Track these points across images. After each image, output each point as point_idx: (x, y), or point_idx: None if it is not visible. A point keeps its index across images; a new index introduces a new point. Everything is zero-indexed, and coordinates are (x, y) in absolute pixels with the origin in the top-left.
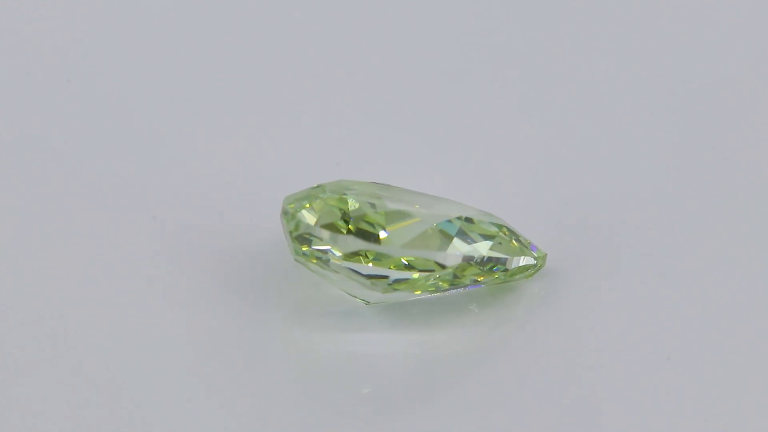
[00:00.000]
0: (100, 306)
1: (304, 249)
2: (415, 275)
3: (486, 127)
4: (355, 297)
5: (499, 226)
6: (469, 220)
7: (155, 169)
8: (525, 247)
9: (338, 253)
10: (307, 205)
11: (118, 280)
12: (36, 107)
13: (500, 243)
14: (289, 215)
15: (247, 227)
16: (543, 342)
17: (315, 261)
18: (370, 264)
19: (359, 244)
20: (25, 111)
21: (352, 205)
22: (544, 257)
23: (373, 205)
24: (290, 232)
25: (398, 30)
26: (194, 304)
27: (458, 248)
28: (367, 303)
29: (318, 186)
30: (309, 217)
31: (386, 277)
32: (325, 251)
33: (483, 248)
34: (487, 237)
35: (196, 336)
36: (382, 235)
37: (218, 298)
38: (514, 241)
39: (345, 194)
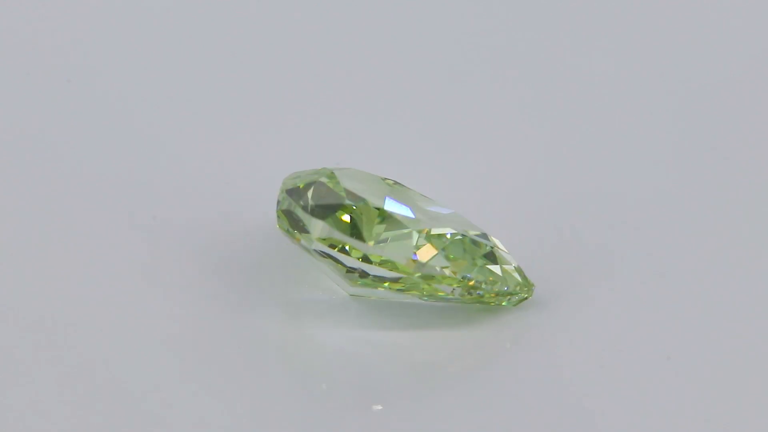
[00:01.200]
0: (99, 305)
1: (286, 224)
2: (387, 275)
3: (485, 127)
4: (336, 284)
5: (492, 249)
6: (461, 237)
7: (156, 168)
8: (511, 276)
9: (314, 236)
10: (301, 185)
11: (116, 279)
12: (36, 107)
13: (485, 266)
14: (281, 189)
15: (246, 224)
16: (542, 340)
17: (292, 233)
18: (341, 253)
19: (335, 234)
20: (25, 111)
21: (346, 193)
22: (530, 289)
23: (367, 201)
24: (278, 202)
25: (398, 29)
26: (192, 301)
27: (437, 263)
28: (349, 294)
29: (323, 168)
30: (300, 195)
31: (356, 270)
32: (303, 229)
33: (462, 268)
34: (472, 258)
35: (194, 333)
36: (365, 232)
37: (217, 296)
38: (503, 267)
39: (343, 183)
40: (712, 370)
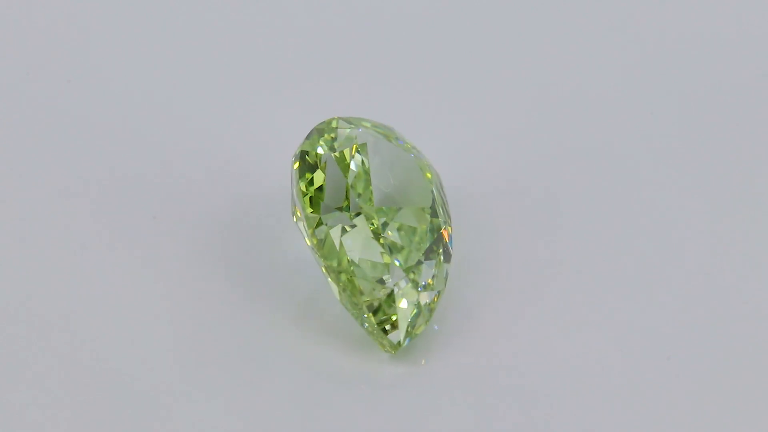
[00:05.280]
0: (99, 305)
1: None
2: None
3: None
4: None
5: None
6: (414, 264)
7: (156, 168)
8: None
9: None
10: (336, 124)
11: (116, 278)
12: (36, 107)
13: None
14: (328, 120)
15: (245, 221)
16: (542, 338)
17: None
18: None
19: (299, 183)
20: (25, 111)
21: (358, 154)
22: (394, 347)
23: (364, 175)
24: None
25: (397, 21)
26: (193, 299)
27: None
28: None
29: (386, 129)
30: (326, 129)
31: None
32: (300, 154)
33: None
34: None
35: (193, 332)
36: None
37: (217, 295)
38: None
39: (368, 145)
40: (712, 371)
